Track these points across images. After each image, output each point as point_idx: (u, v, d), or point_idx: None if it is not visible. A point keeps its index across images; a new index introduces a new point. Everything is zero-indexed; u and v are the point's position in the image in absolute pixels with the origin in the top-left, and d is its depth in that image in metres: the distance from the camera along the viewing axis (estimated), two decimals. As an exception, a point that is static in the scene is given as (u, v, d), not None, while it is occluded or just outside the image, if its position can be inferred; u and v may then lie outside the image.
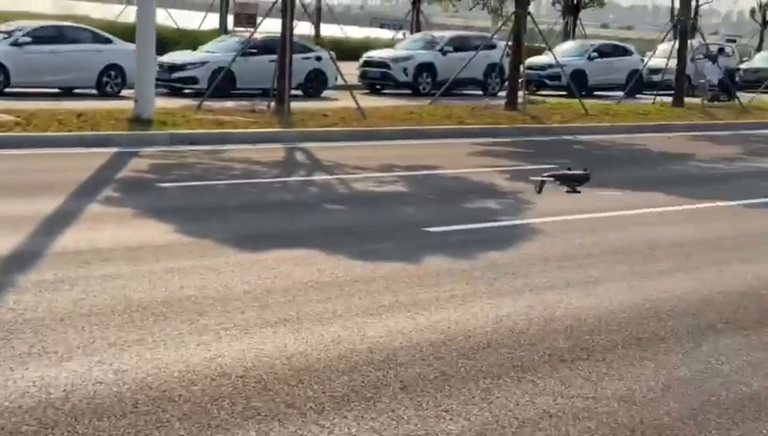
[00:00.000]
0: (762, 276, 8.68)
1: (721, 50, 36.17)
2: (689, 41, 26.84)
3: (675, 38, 26.66)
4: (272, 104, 19.14)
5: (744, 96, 29.09)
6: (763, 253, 9.61)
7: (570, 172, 12.61)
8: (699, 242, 10.11)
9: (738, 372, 6.19)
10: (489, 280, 8.14)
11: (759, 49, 54.22)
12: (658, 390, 5.78)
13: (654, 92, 26.85)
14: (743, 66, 38.38)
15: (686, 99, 25.83)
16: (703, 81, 29.49)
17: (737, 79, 35.22)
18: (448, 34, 31.86)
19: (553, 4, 42.24)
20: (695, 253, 9.53)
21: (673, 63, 26.23)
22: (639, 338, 6.82)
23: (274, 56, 20.06)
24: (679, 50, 25.89)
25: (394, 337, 6.44)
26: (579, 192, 12.24)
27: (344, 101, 21.17)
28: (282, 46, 18.81)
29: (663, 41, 32.53)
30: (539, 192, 12.01)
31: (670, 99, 25.82)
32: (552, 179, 12.37)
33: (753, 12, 61.97)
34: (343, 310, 6.99)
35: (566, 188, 12.34)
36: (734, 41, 61.87)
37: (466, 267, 8.53)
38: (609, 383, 5.84)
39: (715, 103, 28.17)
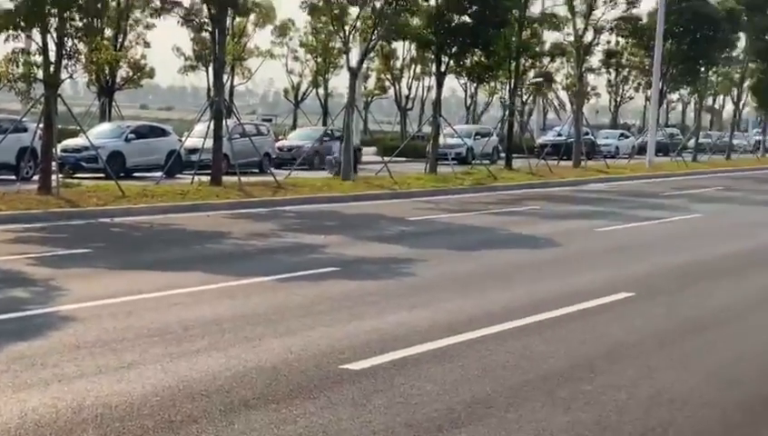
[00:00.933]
0: (293, 349, 8.87)
1: (258, 127, 37.55)
2: (225, 121, 27.47)
3: (212, 118, 27.15)
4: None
5: (280, 173, 30.21)
6: (294, 327, 9.85)
7: None
8: (234, 318, 10.19)
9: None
10: (15, 373, 7.71)
11: (294, 127, 56.85)
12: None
13: (193, 171, 27.11)
14: (278, 144, 39.87)
15: (225, 177, 26.31)
16: (330, 157, 33.96)
17: (274, 157, 36.66)
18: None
19: (88, 85, 41.64)
20: (230, 330, 9.59)
21: (210, 142, 26.66)
22: (171, 421, 6.70)
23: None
24: (215, 130, 26.39)
25: None
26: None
27: None
28: None
29: (199, 121, 33.09)
30: None
31: (209, 178, 26.16)
32: None
33: (286, 92, 64.99)
34: None
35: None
36: (270, 120, 64.52)
37: (-11, 362, 8.02)
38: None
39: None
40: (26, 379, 7.58)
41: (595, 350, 9.34)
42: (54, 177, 21.85)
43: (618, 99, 75.90)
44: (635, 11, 45.06)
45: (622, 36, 50.27)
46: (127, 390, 7.41)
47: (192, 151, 29.84)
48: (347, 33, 31.17)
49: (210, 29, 26.67)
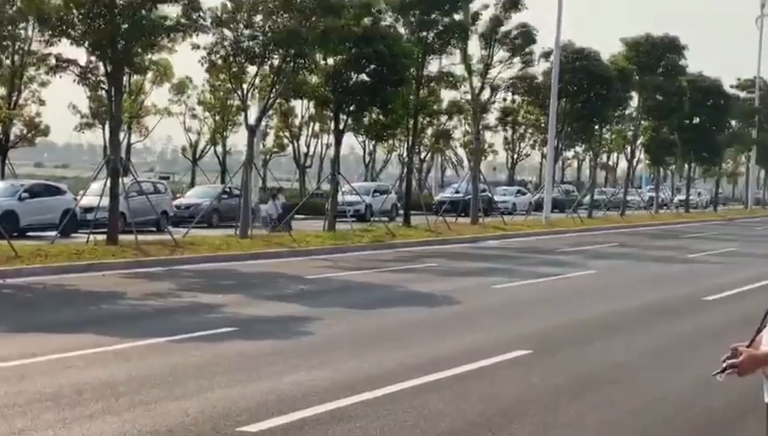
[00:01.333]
0: (190, 412, 8.77)
1: (154, 186, 37.27)
2: (122, 179, 27.18)
3: (108, 176, 26.82)
4: None
5: (178, 231, 29.94)
6: (190, 389, 9.74)
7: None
8: (130, 381, 10.04)
9: None
10: None
11: (192, 185, 56.46)
12: None
13: (89, 230, 26.71)
14: (176, 202, 39.55)
15: (121, 236, 25.94)
16: (265, 215, 34.79)
17: (171, 215, 36.33)
18: None
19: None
20: (125, 394, 9.44)
21: (106, 200, 26.32)
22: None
23: None
24: (111, 188, 26.08)
25: None
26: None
27: None
28: None
29: (95, 179, 32.65)
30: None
31: (105, 237, 25.79)
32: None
33: (184, 150, 64.57)
34: None
35: None
36: (168, 178, 63.97)
37: None
38: None
39: (276, 233, 31.88)
40: None
41: (493, 408, 9.41)
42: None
43: (515, 156, 77.14)
44: (530, 70, 46.00)
45: (518, 95, 51.23)
46: (18, 457, 7.25)
47: (88, 209, 29.42)
48: (245, 91, 31.18)
49: (106, 87, 26.42)
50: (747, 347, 5.12)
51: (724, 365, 5.06)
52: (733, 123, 71.44)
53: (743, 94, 76.14)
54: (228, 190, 39.77)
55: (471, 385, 10.40)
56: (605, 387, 10.71)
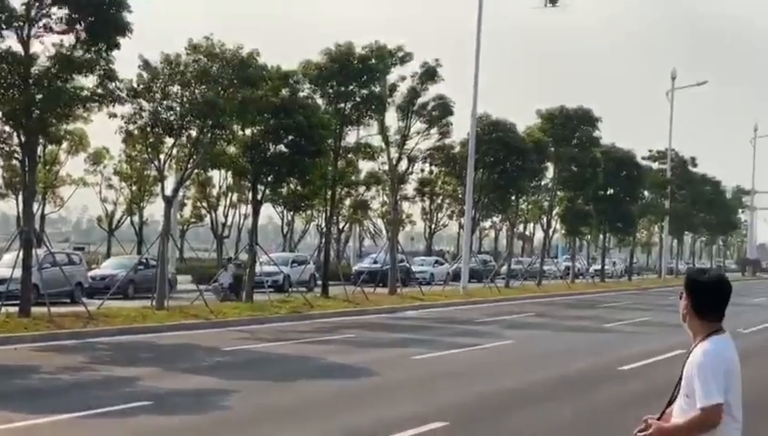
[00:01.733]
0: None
1: (70, 256, 36.81)
2: (35, 250, 26.73)
3: (21, 248, 26.38)
4: None
5: (93, 303, 29.50)
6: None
7: None
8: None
9: None
10: None
11: (108, 255, 55.79)
12: None
13: (0, 302, 26.16)
14: (91, 273, 39.00)
15: (34, 308, 25.45)
16: (216, 284, 36.39)
17: (86, 286, 35.81)
18: None
19: None
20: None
21: (18, 272, 25.86)
22: None
23: None
24: (24, 260, 25.65)
25: None
26: None
27: None
28: None
29: (7, 250, 32.08)
30: None
31: (17, 309, 25.30)
32: None
33: (100, 220, 63.89)
34: None
35: None
36: (83, 248, 63.14)
37: None
38: None
39: (227, 302, 33.15)
40: None
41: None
42: None
43: (433, 226, 77.67)
44: (447, 141, 46.49)
45: (435, 166, 51.74)
46: None
47: (0, 281, 28.85)
48: (162, 161, 31.06)
49: (20, 157, 26.10)
50: (658, 419, 5.21)
51: None
52: (647, 193, 72.90)
53: (655, 166, 77.84)
54: (144, 261, 39.33)
55: (389, 458, 10.36)
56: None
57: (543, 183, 59.13)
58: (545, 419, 13.47)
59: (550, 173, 58.22)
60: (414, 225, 78.13)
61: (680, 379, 5.19)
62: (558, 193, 60.02)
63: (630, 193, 65.93)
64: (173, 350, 21.22)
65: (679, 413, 5.15)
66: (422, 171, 54.99)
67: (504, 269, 57.13)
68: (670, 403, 5.27)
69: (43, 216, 51.02)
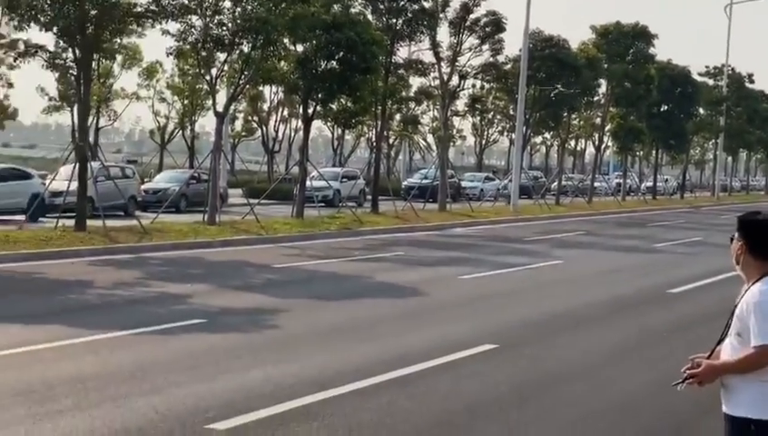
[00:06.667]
0: (159, 408, 8.86)
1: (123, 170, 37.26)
2: (90, 163, 27.07)
3: (76, 162, 26.71)
4: None
5: (146, 216, 29.93)
6: (159, 384, 9.81)
7: None
8: (99, 376, 10.11)
9: None
10: None
11: (160, 168, 56.28)
12: None
13: (57, 215, 26.63)
14: (144, 187, 39.45)
15: (89, 221, 25.87)
16: None
17: (139, 200, 36.29)
18: None
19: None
20: (95, 389, 9.51)
21: (75, 185, 26.21)
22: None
23: None
24: (80, 174, 26.00)
25: None
26: None
27: None
28: None
29: (65, 162, 32.54)
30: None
31: (73, 222, 25.70)
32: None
33: (152, 133, 64.29)
34: None
35: None
36: (136, 161, 63.81)
37: None
38: None
39: None
40: None
41: (458, 405, 9.56)
42: None
43: (483, 142, 77.46)
44: (499, 57, 46.10)
45: (487, 82, 51.39)
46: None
47: (56, 194, 29.34)
48: (214, 77, 31.18)
49: (75, 72, 26.34)
50: (707, 358, 5.29)
51: (685, 375, 5.25)
52: (701, 110, 71.90)
53: (710, 82, 76.64)
54: (196, 175, 39.71)
55: (437, 381, 10.54)
56: (570, 385, 10.85)
57: (595, 99, 58.53)
58: (594, 343, 13.56)
59: (603, 89, 57.64)
60: (464, 140, 77.88)
61: (731, 317, 5.25)
62: (611, 109, 59.42)
63: (684, 110, 65.09)
64: (225, 266, 21.53)
65: (730, 352, 5.23)
66: (473, 87, 54.64)
67: (554, 186, 56.93)
68: (719, 342, 5.35)
69: (97, 129, 51.44)
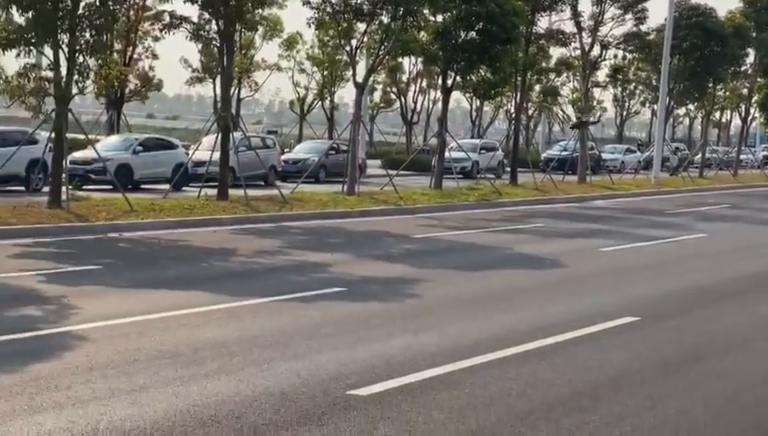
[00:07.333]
0: (301, 374, 8.98)
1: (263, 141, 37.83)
2: (232, 134, 27.60)
3: (219, 132, 27.25)
4: None
5: (285, 186, 30.38)
6: (301, 350, 9.94)
7: None
8: (242, 341, 10.30)
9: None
10: (30, 395, 7.88)
11: (300, 139, 56.98)
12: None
13: (200, 184, 27.23)
14: (284, 157, 40.02)
15: (231, 190, 26.37)
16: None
17: (279, 169, 36.82)
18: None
19: (96, 97, 41.85)
20: (239, 354, 9.70)
21: (217, 155, 26.76)
22: (182, 449, 6.81)
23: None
24: (222, 144, 26.52)
25: None
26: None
27: None
28: None
29: (207, 133, 33.21)
30: None
31: (215, 191, 26.26)
32: None
33: (292, 104, 65.11)
34: None
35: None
36: (276, 132, 64.72)
37: (6, 382, 8.16)
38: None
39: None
40: (41, 401, 7.73)
41: (600, 377, 9.44)
42: (63, 190, 21.97)
43: (624, 113, 76.11)
44: (642, 27, 45.17)
45: (629, 52, 50.42)
46: (140, 414, 7.54)
47: (199, 164, 30.03)
48: (353, 47, 31.38)
49: (218, 44, 26.83)
50: None
51: None
52: None
53: None
54: (335, 146, 40.09)
55: (578, 353, 10.43)
56: (715, 358, 10.62)
57: (742, 69, 56.80)
58: (740, 317, 13.24)
59: (750, 59, 55.90)
60: (605, 112, 76.65)
61: None
62: (759, 79, 57.61)
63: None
64: (364, 236, 21.69)
65: None
66: (615, 57, 53.69)
67: (698, 158, 55.61)
68: None
69: (238, 100, 52.34)
